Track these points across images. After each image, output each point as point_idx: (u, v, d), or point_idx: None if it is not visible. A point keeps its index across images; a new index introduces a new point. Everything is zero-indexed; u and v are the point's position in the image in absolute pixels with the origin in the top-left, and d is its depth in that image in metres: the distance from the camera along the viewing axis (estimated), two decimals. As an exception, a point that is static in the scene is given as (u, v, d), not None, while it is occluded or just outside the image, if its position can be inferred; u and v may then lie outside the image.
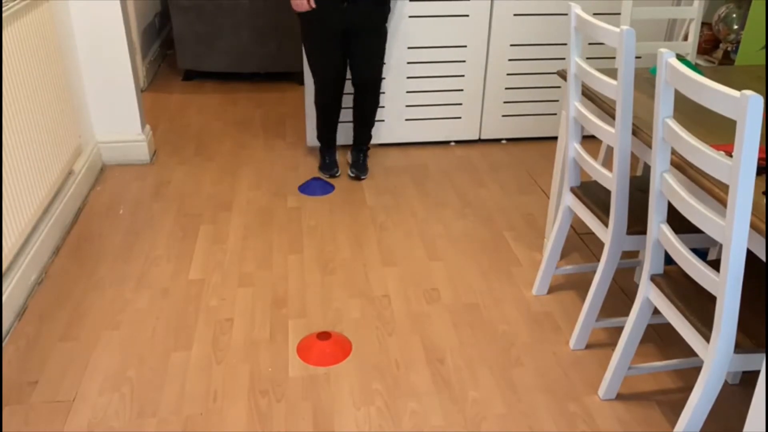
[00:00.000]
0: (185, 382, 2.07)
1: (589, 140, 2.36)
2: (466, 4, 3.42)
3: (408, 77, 3.57)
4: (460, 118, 3.72)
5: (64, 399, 2.00)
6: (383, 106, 3.63)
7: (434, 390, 2.06)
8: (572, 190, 2.30)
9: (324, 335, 2.23)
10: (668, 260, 1.80)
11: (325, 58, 3.08)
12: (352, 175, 3.36)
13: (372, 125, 3.40)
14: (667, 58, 1.57)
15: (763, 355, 1.59)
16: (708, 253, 2.39)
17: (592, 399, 2.04)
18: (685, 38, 2.98)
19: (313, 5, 2.89)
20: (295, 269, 2.64)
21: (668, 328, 2.30)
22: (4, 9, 2.34)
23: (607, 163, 2.75)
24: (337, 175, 3.37)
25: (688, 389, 2.07)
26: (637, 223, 2.05)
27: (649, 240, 1.81)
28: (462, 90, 3.65)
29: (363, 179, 3.35)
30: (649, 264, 1.84)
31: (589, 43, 3.48)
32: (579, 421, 1.96)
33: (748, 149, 1.35)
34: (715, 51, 3.54)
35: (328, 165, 3.40)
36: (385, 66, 3.53)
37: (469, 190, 3.29)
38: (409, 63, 3.54)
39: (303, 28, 3.07)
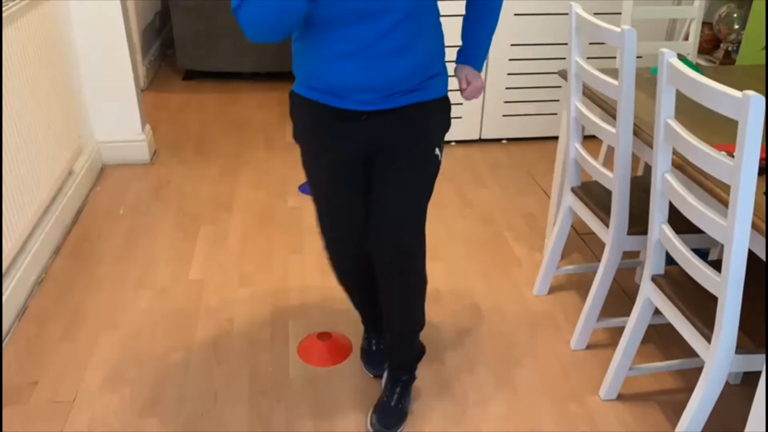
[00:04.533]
0: (185, 382, 2.07)
1: (590, 140, 2.36)
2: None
3: (408, 77, 3.56)
4: (460, 117, 3.71)
5: (64, 399, 2.00)
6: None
7: (435, 390, 2.06)
8: (573, 190, 2.30)
9: (324, 335, 2.22)
10: (669, 260, 1.80)
11: (337, 208, 1.79)
12: (372, 430, 1.89)
13: (418, 325, 1.91)
14: (668, 57, 1.57)
15: (764, 356, 1.58)
16: (709, 253, 2.38)
17: (592, 399, 2.04)
18: (686, 38, 2.97)
19: None
20: (295, 269, 2.64)
21: (669, 328, 2.29)
22: (4, 9, 2.33)
23: (608, 163, 2.75)
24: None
25: (689, 390, 2.06)
26: (637, 223, 2.05)
27: (650, 240, 1.81)
28: (462, 90, 3.64)
29: None
30: (650, 264, 1.84)
31: (590, 43, 3.47)
32: (580, 421, 1.96)
33: (749, 149, 1.34)
34: (716, 51, 3.54)
35: (372, 356, 2.12)
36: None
37: (469, 190, 3.28)
38: (409, 63, 3.53)
39: (304, 160, 1.81)
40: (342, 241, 1.84)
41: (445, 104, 1.75)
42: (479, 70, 1.83)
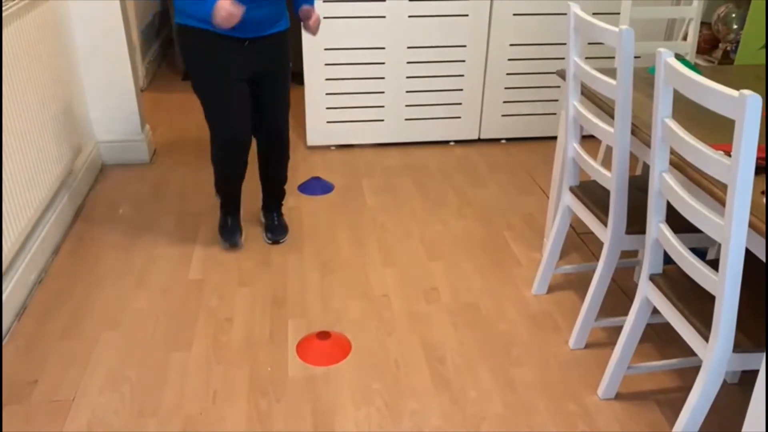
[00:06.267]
0: (185, 382, 2.07)
1: (589, 140, 2.36)
2: (466, 4, 3.42)
3: (408, 77, 3.58)
4: (459, 117, 3.72)
5: (64, 398, 2.00)
6: (382, 106, 3.63)
7: (434, 390, 2.06)
8: (571, 189, 2.30)
9: (324, 335, 2.23)
10: (667, 260, 1.80)
11: (232, 113, 2.49)
12: (269, 241, 2.80)
13: (285, 180, 2.89)
14: (666, 57, 1.57)
15: (762, 355, 1.59)
16: (707, 252, 2.39)
17: (591, 398, 2.04)
18: (685, 38, 2.98)
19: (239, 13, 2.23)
20: (295, 269, 2.64)
21: (667, 327, 2.30)
22: (4, 8, 2.34)
23: (606, 163, 2.75)
24: (240, 244, 2.78)
25: (687, 389, 2.07)
26: (636, 222, 2.05)
27: (648, 239, 1.81)
28: (462, 90, 3.65)
29: (282, 242, 2.81)
30: (648, 263, 1.84)
31: (589, 43, 3.48)
32: (578, 420, 1.96)
33: (746, 149, 1.35)
34: (715, 51, 3.55)
35: (230, 230, 2.78)
36: (383, 66, 3.55)
37: (468, 190, 3.29)
38: (409, 63, 3.54)
39: (197, 78, 2.48)
40: (236, 139, 2.53)
41: (288, 34, 2.54)
42: (311, 4, 2.51)
